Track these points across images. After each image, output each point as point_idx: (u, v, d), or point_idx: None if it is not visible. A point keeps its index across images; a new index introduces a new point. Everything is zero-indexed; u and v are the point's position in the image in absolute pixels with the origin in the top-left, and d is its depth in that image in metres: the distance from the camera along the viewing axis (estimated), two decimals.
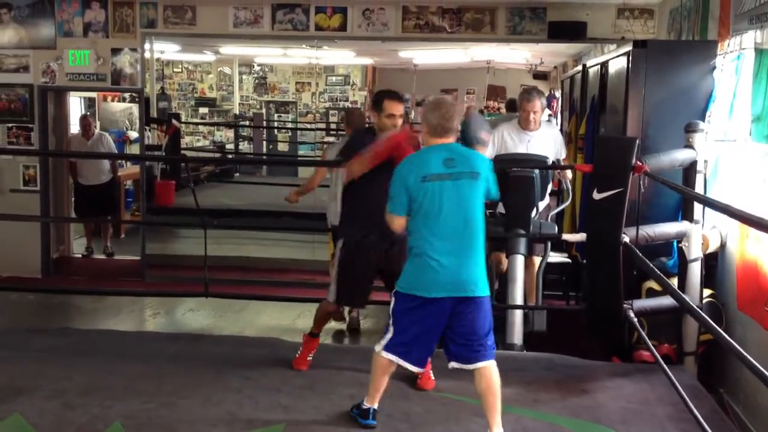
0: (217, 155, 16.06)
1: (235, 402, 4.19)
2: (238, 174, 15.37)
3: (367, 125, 6.37)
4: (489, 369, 3.72)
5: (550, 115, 14.54)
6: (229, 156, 16.40)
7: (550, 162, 5.86)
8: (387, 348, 3.79)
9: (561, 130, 9.47)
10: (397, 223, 3.77)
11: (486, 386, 3.72)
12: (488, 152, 6.11)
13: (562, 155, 6.11)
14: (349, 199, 4.57)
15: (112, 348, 5.18)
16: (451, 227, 3.66)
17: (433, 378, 4.48)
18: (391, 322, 3.80)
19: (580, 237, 5.58)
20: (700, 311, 4.28)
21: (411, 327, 3.74)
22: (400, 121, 4.48)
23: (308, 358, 4.79)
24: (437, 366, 4.30)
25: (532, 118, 5.85)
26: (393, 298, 3.81)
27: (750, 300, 4.56)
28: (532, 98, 5.83)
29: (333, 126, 16.75)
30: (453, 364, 3.78)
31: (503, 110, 14.08)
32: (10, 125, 8.44)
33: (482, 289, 3.71)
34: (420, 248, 3.69)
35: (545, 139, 5.96)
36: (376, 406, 3.97)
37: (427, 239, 3.66)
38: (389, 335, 3.79)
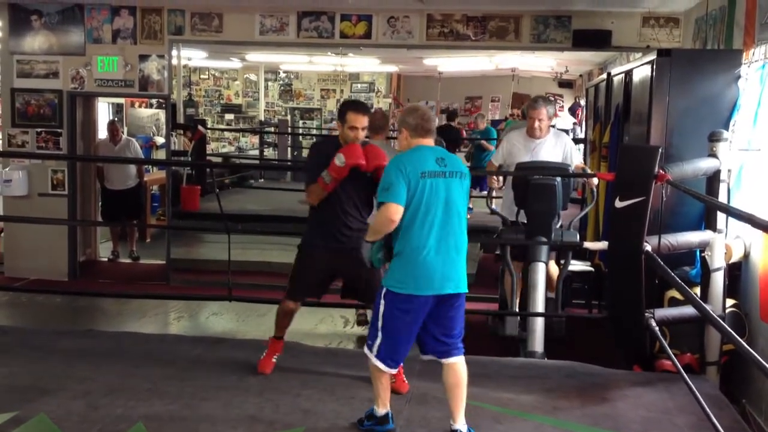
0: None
1: (256, 405, 4.23)
2: (262, 180, 15.49)
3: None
4: (461, 364, 3.82)
5: (574, 124, 14.55)
6: (254, 162, 16.51)
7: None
8: (378, 356, 3.79)
9: (585, 138, 9.46)
10: (395, 212, 3.65)
11: (455, 380, 3.79)
12: (496, 158, 6.24)
13: (574, 161, 6.06)
14: (310, 207, 4.71)
15: (136, 350, 5.25)
16: (443, 224, 3.69)
17: (406, 381, 4.48)
18: (379, 325, 3.77)
19: (602, 245, 5.58)
20: (721, 321, 4.26)
21: (400, 328, 3.75)
22: (362, 134, 4.49)
23: (272, 360, 4.82)
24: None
25: (537, 126, 5.90)
26: (381, 299, 3.77)
27: None
28: (537, 106, 5.90)
29: None
30: (429, 357, 3.87)
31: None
32: (39, 130, 8.57)
33: (464, 286, 3.79)
34: (411, 245, 3.68)
35: (552, 146, 5.96)
36: (388, 409, 3.94)
37: (420, 235, 3.67)
38: (379, 340, 3.77)
